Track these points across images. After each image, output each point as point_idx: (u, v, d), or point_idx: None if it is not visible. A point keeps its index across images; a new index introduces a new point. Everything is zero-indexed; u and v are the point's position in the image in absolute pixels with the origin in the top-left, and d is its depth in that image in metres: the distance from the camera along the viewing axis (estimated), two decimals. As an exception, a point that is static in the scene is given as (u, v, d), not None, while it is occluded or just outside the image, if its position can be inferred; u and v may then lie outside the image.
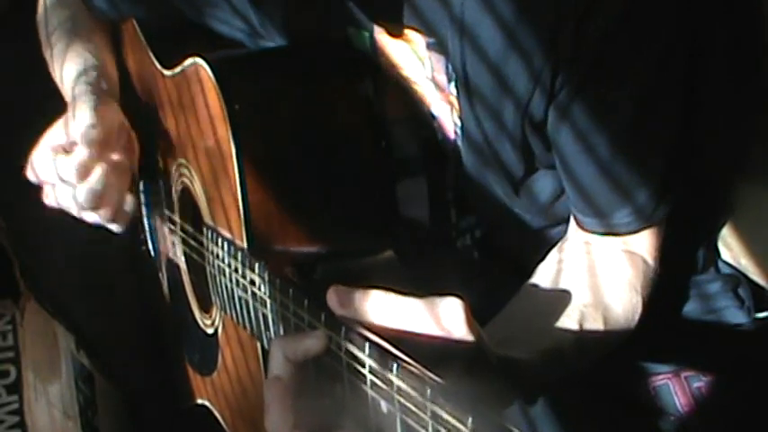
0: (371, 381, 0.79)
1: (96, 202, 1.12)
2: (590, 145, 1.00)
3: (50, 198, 1.17)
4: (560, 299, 1.02)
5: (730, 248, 1.21)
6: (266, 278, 0.96)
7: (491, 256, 1.15)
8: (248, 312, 1.02)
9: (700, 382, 1.12)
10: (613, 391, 1.12)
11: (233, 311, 1.07)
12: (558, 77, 0.97)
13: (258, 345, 1.04)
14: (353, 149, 1.08)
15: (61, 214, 1.19)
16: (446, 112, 1.07)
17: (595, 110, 0.99)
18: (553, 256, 1.08)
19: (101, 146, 1.12)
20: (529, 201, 1.10)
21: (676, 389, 1.12)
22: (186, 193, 1.18)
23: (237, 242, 1.04)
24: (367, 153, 1.07)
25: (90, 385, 1.58)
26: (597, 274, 1.05)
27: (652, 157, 1.03)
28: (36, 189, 1.22)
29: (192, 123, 1.11)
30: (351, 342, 0.81)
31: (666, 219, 1.07)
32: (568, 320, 1.00)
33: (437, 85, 1.06)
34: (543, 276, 1.06)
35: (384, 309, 0.81)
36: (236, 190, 1.02)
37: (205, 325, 1.20)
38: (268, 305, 0.96)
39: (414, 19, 1.02)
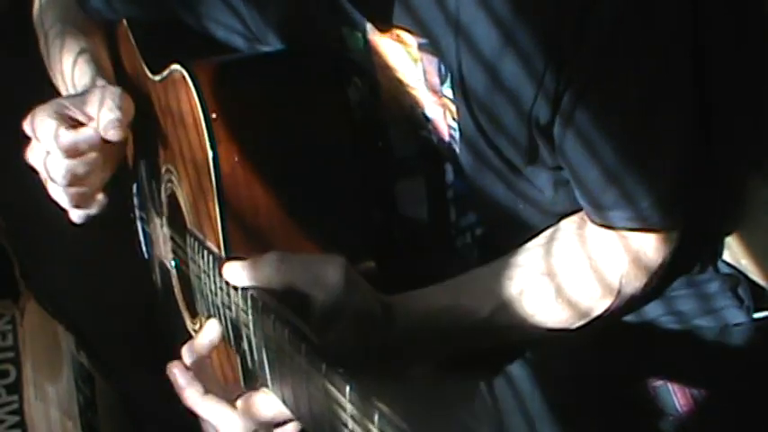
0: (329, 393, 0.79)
1: (74, 180, 1.14)
2: (595, 150, 1.00)
3: (32, 156, 1.17)
4: (511, 263, 1.07)
5: (730, 248, 1.21)
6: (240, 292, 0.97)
7: (491, 255, 1.14)
8: (225, 318, 1.02)
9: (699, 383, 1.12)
10: (613, 391, 1.12)
11: (213, 316, 1.07)
12: (560, 80, 0.97)
13: (239, 359, 1.03)
14: (339, 153, 1.07)
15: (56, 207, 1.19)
16: (439, 114, 1.07)
17: (599, 114, 0.99)
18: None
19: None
20: (530, 199, 1.10)
21: (675, 389, 1.12)
22: (173, 198, 1.18)
23: (215, 250, 1.04)
24: (360, 155, 1.07)
25: (90, 385, 1.58)
26: (587, 244, 1.08)
27: (655, 161, 1.03)
28: (36, 189, 1.22)
29: (177, 129, 1.11)
30: (306, 345, 0.82)
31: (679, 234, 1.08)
32: (510, 282, 1.05)
33: (430, 88, 1.06)
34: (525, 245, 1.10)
35: (271, 268, 0.92)
36: (214, 197, 1.02)
37: (194, 330, 1.20)
38: (240, 314, 0.97)
39: (407, 18, 1.02)
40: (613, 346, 1.11)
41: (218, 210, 1.02)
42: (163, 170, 1.19)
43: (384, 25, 1.05)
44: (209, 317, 1.09)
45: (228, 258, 0.99)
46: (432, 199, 1.15)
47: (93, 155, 1.13)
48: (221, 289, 1.01)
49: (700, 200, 1.11)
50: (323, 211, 1.05)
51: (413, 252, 1.15)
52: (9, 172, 1.46)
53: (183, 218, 1.14)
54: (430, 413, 0.75)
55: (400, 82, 1.09)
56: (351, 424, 0.76)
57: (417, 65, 1.05)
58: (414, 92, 1.08)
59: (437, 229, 1.16)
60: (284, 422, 0.98)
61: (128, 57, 1.27)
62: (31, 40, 1.34)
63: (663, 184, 1.04)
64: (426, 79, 1.05)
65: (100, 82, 1.20)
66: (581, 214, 1.09)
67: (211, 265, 1.04)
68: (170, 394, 1.36)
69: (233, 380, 1.08)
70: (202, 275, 1.07)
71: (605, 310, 1.09)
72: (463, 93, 1.02)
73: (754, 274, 1.20)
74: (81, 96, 1.16)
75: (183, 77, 1.06)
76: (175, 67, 1.08)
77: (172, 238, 1.21)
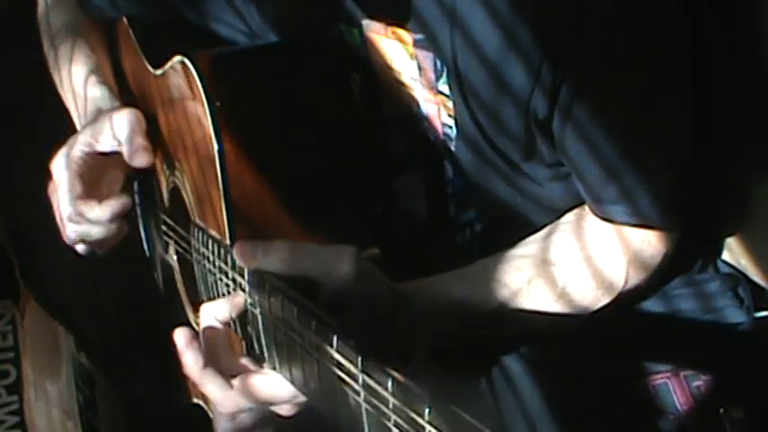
0: (339, 375, 0.80)
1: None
2: (595, 146, 1.00)
3: (52, 194, 1.19)
4: (518, 254, 1.07)
5: (730, 248, 1.21)
6: (246, 276, 0.97)
7: (490, 251, 1.15)
8: None
9: (699, 381, 1.12)
10: (613, 390, 1.12)
11: None
12: (557, 74, 0.97)
13: (244, 344, 1.03)
14: (343, 145, 1.07)
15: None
16: (434, 111, 1.07)
17: (598, 109, 0.99)
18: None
19: None
20: (528, 195, 1.10)
21: (675, 388, 1.12)
22: (176, 192, 1.18)
23: (222, 241, 1.04)
24: (358, 149, 1.07)
25: (90, 385, 1.58)
26: (585, 237, 1.08)
27: (653, 157, 1.03)
28: (36, 189, 1.22)
29: (179, 122, 1.11)
30: (320, 336, 0.83)
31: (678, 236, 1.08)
32: (517, 274, 1.05)
33: (426, 84, 1.06)
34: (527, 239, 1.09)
35: (284, 256, 0.93)
36: (219, 188, 1.02)
37: (197, 324, 1.20)
38: (248, 302, 0.97)
39: (403, 12, 1.02)
40: (613, 344, 1.11)
41: (223, 200, 1.02)
42: (165, 165, 1.20)
43: (382, 22, 1.05)
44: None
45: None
46: (431, 195, 1.15)
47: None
48: (227, 275, 1.02)
49: (700, 199, 1.11)
50: (327, 200, 1.05)
51: (412, 248, 1.15)
52: (9, 172, 1.47)
53: (187, 211, 1.14)
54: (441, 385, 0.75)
55: (396, 79, 1.09)
56: (363, 394, 0.77)
57: (413, 61, 1.05)
58: (410, 89, 1.08)
59: (436, 225, 1.16)
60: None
61: (127, 53, 1.27)
62: (33, 38, 1.34)
63: (662, 182, 1.04)
64: (422, 76, 1.05)
65: (115, 103, 1.21)
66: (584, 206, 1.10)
67: (218, 256, 1.04)
68: (170, 394, 1.36)
69: None
70: (209, 267, 1.07)
71: (606, 304, 1.09)
72: (460, 88, 1.02)
73: (753, 274, 1.20)
74: (101, 123, 1.16)
75: (186, 68, 1.06)
76: (177, 58, 1.08)
77: (175, 232, 1.21)
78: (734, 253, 1.21)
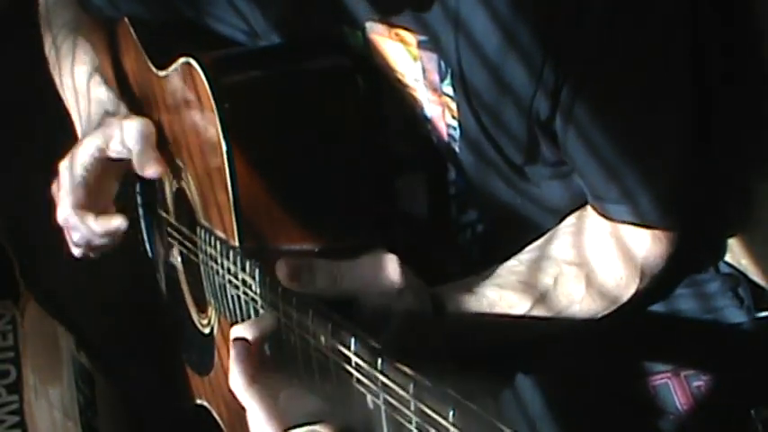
0: (357, 377, 0.80)
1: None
2: (595, 146, 1.00)
3: (55, 194, 1.19)
4: (540, 254, 1.07)
5: (731, 248, 1.21)
6: (257, 277, 0.97)
7: (492, 252, 1.15)
8: (241, 311, 1.02)
9: (699, 381, 1.12)
10: (613, 390, 1.12)
11: (227, 311, 1.07)
12: (559, 75, 0.97)
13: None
14: (348, 146, 1.07)
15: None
16: (438, 113, 1.07)
17: (598, 109, 0.99)
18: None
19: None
20: (530, 196, 1.10)
21: (676, 388, 1.12)
22: (181, 194, 1.18)
23: (230, 242, 1.04)
24: (362, 150, 1.07)
25: (90, 385, 1.58)
26: (591, 238, 1.07)
27: (653, 157, 1.03)
28: (36, 189, 1.22)
29: (184, 123, 1.11)
30: (337, 338, 0.82)
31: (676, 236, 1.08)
32: (542, 275, 1.04)
33: (429, 86, 1.06)
34: (539, 240, 1.09)
35: (330, 274, 0.90)
36: (228, 189, 1.02)
37: (202, 325, 1.20)
38: (259, 304, 0.97)
39: (407, 14, 1.02)
40: (613, 344, 1.11)
41: (231, 201, 1.02)
42: (169, 166, 1.20)
43: (386, 25, 1.05)
44: (219, 310, 1.09)
45: (277, 258, 0.96)
46: (433, 196, 1.15)
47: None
48: (236, 277, 1.02)
49: (701, 199, 1.11)
50: (333, 200, 1.05)
51: (412, 248, 1.15)
52: (9, 172, 1.47)
53: (192, 212, 1.14)
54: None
55: (399, 81, 1.09)
56: (382, 396, 0.77)
57: (417, 63, 1.05)
58: (413, 91, 1.08)
59: (437, 226, 1.16)
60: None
61: (128, 53, 1.27)
62: (33, 37, 1.34)
63: (663, 181, 1.04)
64: (426, 77, 1.05)
65: (120, 106, 1.21)
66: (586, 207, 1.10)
67: (225, 256, 1.04)
68: (170, 394, 1.36)
69: None
70: (216, 268, 1.07)
71: (632, 295, 1.08)
72: (463, 89, 1.02)
73: (754, 274, 1.20)
74: (111, 129, 1.16)
75: (192, 69, 1.06)
76: (184, 59, 1.07)
77: (180, 233, 1.21)
78: (734, 253, 1.21)
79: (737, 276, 1.20)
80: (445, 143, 1.09)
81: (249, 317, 1.00)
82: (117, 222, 1.18)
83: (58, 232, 1.22)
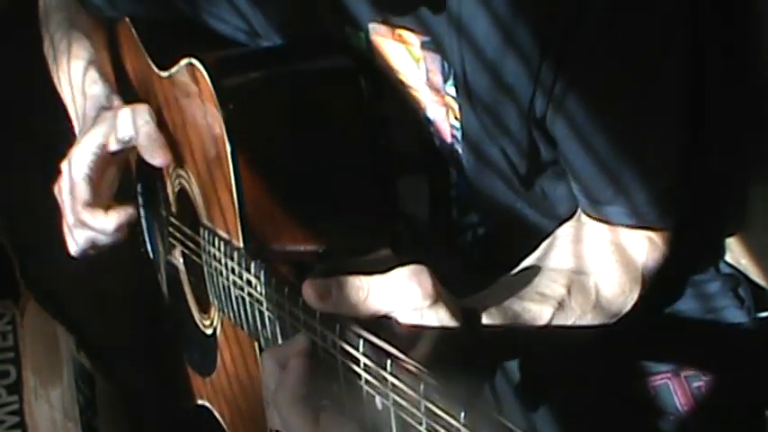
0: (366, 378, 0.80)
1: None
2: (585, 136, 1.00)
3: (58, 192, 1.19)
4: (549, 267, 1.05)
5: (731, 249, 1.21)
6: (262, 278, 0.97)
7: (492, 254, 1.15)
8: (245, 312, 1.02)
9: (699, 382, 1.12)
10: (613, 390, 1.12)
11: (230, 311, 1.07)
12: (559, 75, 0.97)
13: (256, 344, 1.03)
14: (351, 148, 1.07)
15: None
16: (441, 114, 1.07)
17: (597, 109, 0.99)
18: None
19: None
20: (531, 200, 1.10)
21: (676, 388, 1.12)
22: (183, 194, 1.18)
23: (234, 242, 1.04)
24: (365, 151, 1.07)
25: (90, 386, 1.58)
26: (594, 246, 1.06)
27: (651, 157, 1.03)
28: (36, 189, 1.22)
29: (187, 124, 1.11)
30: (345, 340, 0.81)
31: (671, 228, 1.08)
32: (556, 285, 1.02)
33: (432, 88, 1.06)
34: (537, 251, 1.08)
35: (360, 291, 0.85)
36: (231, 189, 1.02)
37: (204, 326, 1.20)
38: (264, 304, 0.97)
39: (409, 16, 1.02)
40: (614, 344, 1.10)
41: (236, 201, 1.02)
42: (171, 167, 1.20)
43: (388, 26, 1.05)
44: (222, 310, 1.10)
45: (306, 279, 0.90)
46: (434, 197, 1.15)
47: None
48: (241, 278, 1.02)
49: (699, 198, 1.11)
50: (337, 200, 1.05)
51: (414, 250, 1.15)
52: (9, 172, 1.47)
53: (195, 212, 1.14)
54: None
55: (402, 83, 1.09)
56: (391, 397, 0.76)
57: (419, 64, 1.05)
58: (415, 93, 1.08)
59: (438, 227, 1.16)
60: None
61: (130, 53, 1.27)
62: (33, 37, 1.34)
63: (660, 181, 1.04)
64: (428, 78, 1.05)
65: (116, 102, 1.21)
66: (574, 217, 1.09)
67: (230, 257, 1.04)
68: (170, 394, 1.36)
69: (254, 371, 1.07)
70: (220, 268, 1.07)
71: (635, 302, 1.08)
72: (466, 91, 1.02)
73: (754, 274, 1.20)
74: (110, 122, 1.16)
75: (196, 70, 1.06)
76: (187, 60, 1.07)
77: (182, 233, 1.21)
78: (734, 253, 1.21)
79: (738, 277, 1.20)
80: (448, 145, 1.09)
81: (254, 317, 1.00)
82: (128, 213, 1.17)
83: (58, 232, 1.22)
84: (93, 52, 1.26)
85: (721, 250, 1.21)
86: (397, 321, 0.87)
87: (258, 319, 0.99)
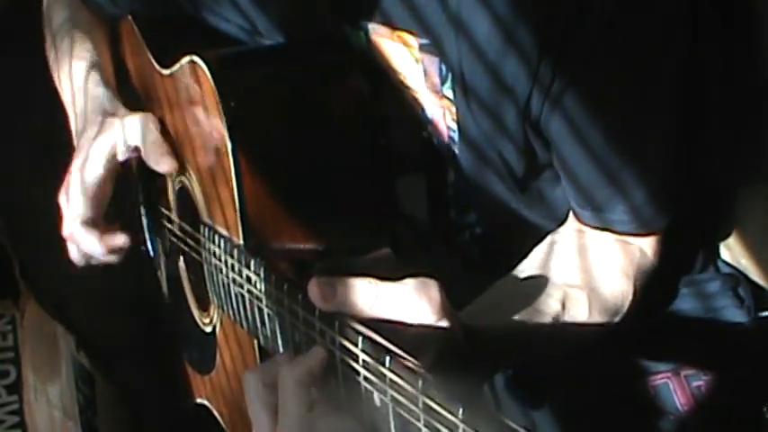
0: (364, 374, 0.80)
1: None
2: (583, 136, 1.00)
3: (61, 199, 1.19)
4: (545, 279, 1.04)
5: (730, 248, 1.21)
6: (262, 275, 0.97)
7: (491, 254, 1.14)
8: (245, 309, 1.02)
9: (699, 381, 1.12)
10: (613, 390, 1.12)
11: (230, 309, 1.07)
12: (557, 75, 0.97)
13: (255, 342, 1.04)
14: (350, 146, 1.08)
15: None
16: (439, 115, 1.07)
17: (589, 101, 0.99)
18: (546, 239, 1.09)
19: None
20: (528, 200, 1.10)
21: (676, 388, 1.12)
22: (184, 192, 1.18)
23: (234, 239, 1.04)
24: (364, 150, 1.07)
25: (90, 385, 1.58)
26: (587, 257, 1.06)
27: (650, 157, 1.03)
28: (36, 189, 1.22)
29: (189, 121, 1.12)
30: (344, 336, 0.82)
31: (668, 229, 1.07)
32: (551, 300, 1.01)
33: (430, 88, 1.06)
34: (533, 259, 1.07)
35: (368, 297, 0.84)
36: (232, 187, 1.02)
37: (203, 324, 1.20)
38: (264, 302, 0.97)
39: (409, 18, 1.02)
40: (613, 345, 1.11)
41: (236, 199, 1.02)
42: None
43: (388, 27, 1.05)
44: (222, 308, 1.10)
45: (309, 275, 0.90)
46: (433, 197, 1.15)
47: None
48: (241, 275, 1.02)
49: (696, 198, 1.11)
50: (337, 200, 1.05)
51: (413, 249, 1.15)
52: (9, 172, 1.47)
53: (195, 210, 1.14)
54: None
55: (401, 83, 1.09)
56: (389, 393, 0.77)
57: (418, 65, 1.05)
58: (414, 93, 1.08)
59: (436, 227, 1.16)
60: None
61: (132, 51, 1.27)
62: (33, 38, 1.34)
63: (657, 181, 1.04)
64: (427, 80, 1.05)
65: (118, 104, 1.21)
66: (571, 226, 1.09)
67: (230, 255, 1.04)
68: (170, 394, 1.36)
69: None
70: (219, 266, 1.07)
71: (630, 304, 1.08)
72: (463, 92, 1.02)
73: (754, 274, 1.20)
74: (115, 131, 1.16)
75: (197, 67, 1.06)
76: (189, 58, 1.08)
77: (183, 231, 1.21)
78: (734, 253, 1.21)
79: (738, 276, 1.20)
80: (446, 145, 1.09)
81: (253, 315, 1.00)
82: (120, 241, 1.19)
83: (57, 233, 1.23)
84: (95, 54, 1.26)
85: (718, 250, 1.21)
86: (402, 330, 0.85)
87: (257, 316, 0.99)
